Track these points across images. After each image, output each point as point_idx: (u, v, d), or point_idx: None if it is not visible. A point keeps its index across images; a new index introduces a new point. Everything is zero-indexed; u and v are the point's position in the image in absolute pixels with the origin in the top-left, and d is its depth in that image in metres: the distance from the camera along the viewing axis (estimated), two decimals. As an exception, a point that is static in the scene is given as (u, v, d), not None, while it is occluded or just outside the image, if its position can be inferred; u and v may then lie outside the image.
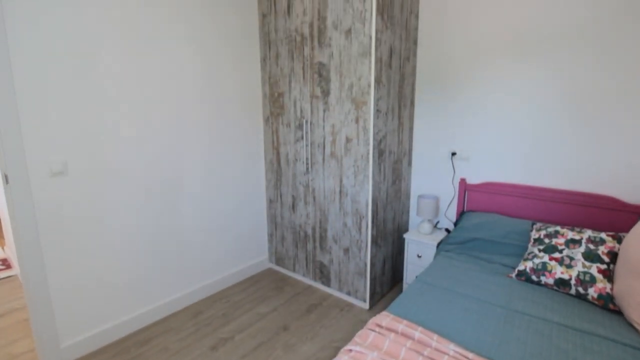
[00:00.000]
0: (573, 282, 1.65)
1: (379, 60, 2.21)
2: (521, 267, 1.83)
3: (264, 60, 2.87)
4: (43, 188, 1.81)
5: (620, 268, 1.57)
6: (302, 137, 2.66)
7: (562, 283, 1.68)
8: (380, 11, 2.16)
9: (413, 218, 2.93)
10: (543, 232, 1.93)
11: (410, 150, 2.79)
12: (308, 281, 2.89)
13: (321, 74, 2.45)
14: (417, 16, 2.61)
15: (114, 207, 2.10)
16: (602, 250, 1.70)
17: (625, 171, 1.98)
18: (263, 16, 2.79)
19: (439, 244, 2.43)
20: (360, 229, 2.42)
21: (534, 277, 1.76)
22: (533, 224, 2.08)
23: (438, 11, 2.54)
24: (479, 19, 2.36)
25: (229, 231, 2.84)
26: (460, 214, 2.52)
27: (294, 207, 2.86)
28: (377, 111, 2.27)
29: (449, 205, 2.70)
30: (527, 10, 2.17)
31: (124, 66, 2.06)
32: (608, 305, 1.55)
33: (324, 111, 2.48)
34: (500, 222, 2.22)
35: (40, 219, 1.82)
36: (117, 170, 2.09)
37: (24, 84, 1.71)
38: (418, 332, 1.36)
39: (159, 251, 2.36)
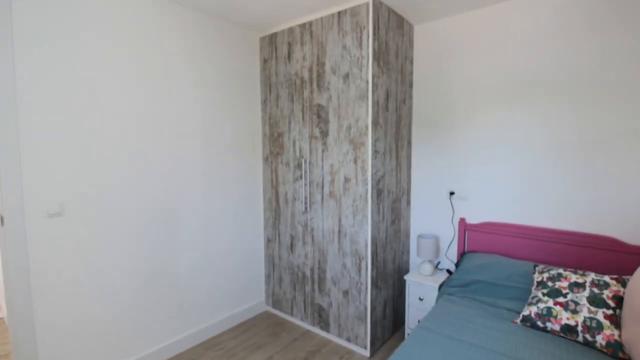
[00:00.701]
0: (580, 328, 1.59)
1: (375, 103, 2.28)
2: (526, 312, 1.77)
3: (264, 101, 2.95)
4: (38, 230, 1.79)
5: (626, 314, 1.52)
6: (301, 177, 2.68)
7: (568, 329, 1.62)
8: (376, 58, 2.26)
9: (413, 258, 2.88)
10: (546, 275, 1.89)
11: (408, 189, 2.80)
12: (306, 326, 2.78)
13: (320, 115, 2.51)
14: (411, 62, 2.73)
15: (108, 249, 2.07)
16: (606, 294, 1.66)
17: (625, 212, 1.99)
18: (264, 61, 2.91)
19: (440, 286, 2.37)
20: (359, 270, 2.37)
21: (539, 323, 1.71)
22: (535, 265, 2.04)
23: (431, 58, 2.66)
24: (472, 66, 2.47)
25: (226, 272, 2.78)
26: (461, 255, 2.48)
27: (292, 247, 2.82)
28: (375, 152, 2.30)
29: (449, 246, 2.66)
30: (520, 58, 2.27)
31: (126, 106, 2.11)
32: (617, 353, 1.49)
33: (323, 151, 2.52)
34: (501, 263, 2.18)
35: (32, 260, 1.78)
36: (113, 211, 2.08)
37: (27, 123, 1.74)
38: (422, 385, 1.29)
39: (151, 295, 2.29)
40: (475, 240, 2.49)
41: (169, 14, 2.30)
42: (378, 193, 2.36)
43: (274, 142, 2.89)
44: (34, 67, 1.75)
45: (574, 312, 1.64)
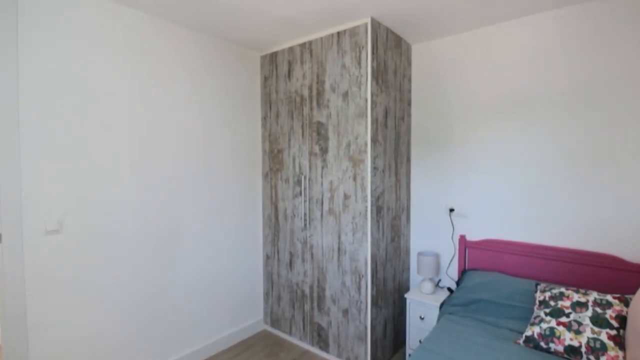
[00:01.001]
0: (583, 349, 1.57)
1: (374, 121, 2.30)
2: (528, 333, 1.74)
3: (264, 118, 2.98)
4: (36, 247, 1.78)
5: (630, 335, 1.50)
6: (301, 193, 2.68)
7: (572, 351, 1.59)
8: (375, 76, 2.29)
9: (414, 276, 2.85)
10: (548, 294, 1.87)
11: (408, 206, 2.80)
12: (305, 346, 2.73)
13: (320, 132, 2.53)
14: (410, 80, 2.77)
15: (105, 267, 2.04)
16: (609, 314, 1.63)
17: (626, 230, 1.98)
18: (265, 79, 2.95)
19: (441, 305, 2.34)
20: (359, 288, 2.35)
21: (542, 344, 1.68)
22: (537, 284, 2.02)
23: (429, 76, 2.70)
24: (470, 83, 2.50)
25: (224, 289, 2.74)
26: (462, 273, 2.46)
27: (291, 264, 2.79)
28: (374, 168, 2.31)
29: (450, 263, 2.64)
30: (519, 73, 2.30)
31: (126, 123, 2.13)
32: (624, 376, 1.46)
33: (322, 168, 2.53)
34: (503, 281, 2.16)
35: (28, 279, 1.76)
36: (112, 230, 2.07)
37: (27, 140, 1.75)
38: (424, 410, 1.26)
39: (148, 315, 2.25)
40: (476, 257, 2.47)
41: (171, 34, 2.34)
42: (378, 210, 2.36)
43: (274, 159, 2.90)
44: (36, 87, 1.77)
45: (577, 332, 1.62)
